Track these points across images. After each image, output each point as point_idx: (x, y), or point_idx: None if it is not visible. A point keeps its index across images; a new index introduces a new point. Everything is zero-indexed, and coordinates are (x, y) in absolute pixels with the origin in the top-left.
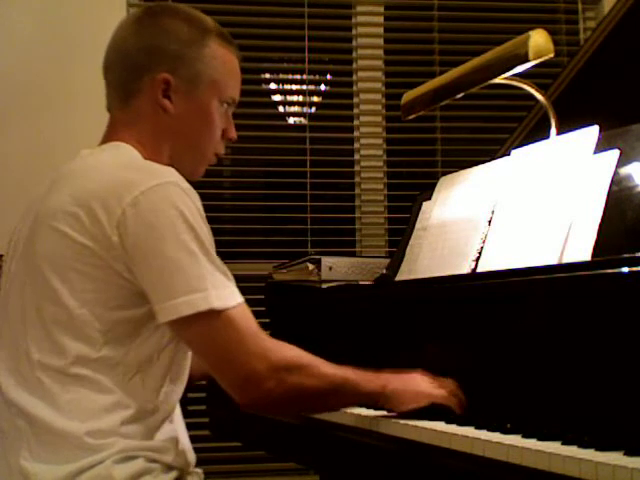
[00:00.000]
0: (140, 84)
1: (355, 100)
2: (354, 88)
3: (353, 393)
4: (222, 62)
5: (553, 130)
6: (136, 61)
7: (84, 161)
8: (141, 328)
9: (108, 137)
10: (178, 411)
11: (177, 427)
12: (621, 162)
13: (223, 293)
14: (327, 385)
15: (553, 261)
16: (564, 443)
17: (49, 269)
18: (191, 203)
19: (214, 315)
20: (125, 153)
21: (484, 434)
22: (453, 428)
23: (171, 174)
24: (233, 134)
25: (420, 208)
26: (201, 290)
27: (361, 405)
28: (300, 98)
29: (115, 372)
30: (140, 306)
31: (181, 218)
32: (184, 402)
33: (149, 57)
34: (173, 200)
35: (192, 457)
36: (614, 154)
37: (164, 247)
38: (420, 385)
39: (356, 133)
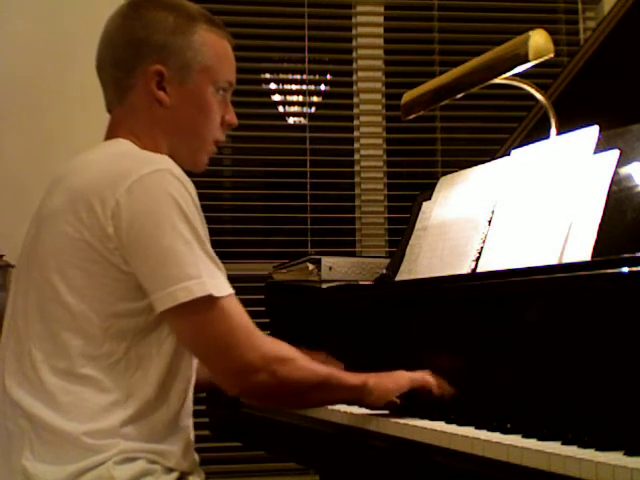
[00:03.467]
0: (133, 79)
1: (355, 100)
2: (354, 88)
3: (338, 386)
4: (212, 47)
5: (553, 130)
6: (125, 56)
7: (80, 159)
8: (140, 322)
9: (107, 136)
10: None
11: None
12: (621, 162)
13: (217, 282)
14: (315, 378)
15: (553, 261)
16: (564, 443)
17: (50, 268)
18: (185, 191)
19: (210, 303)
20: (119, 146)
21: (484, 434)
22: (453, 428)
23: (164, 162)
24: (233, 119)
25: (420, 208)
26: (196, 277)
27: (349, 403)
28: (300, 98)
29: (117, 369)
30: (139, 300)
31: (175, 206)
32: None
33: (137, 51)
34: (167, 188)
35: (195, 459)
36: (614, 154)
37: (159, 236)
38: (399, 376)
39: (356, 133)
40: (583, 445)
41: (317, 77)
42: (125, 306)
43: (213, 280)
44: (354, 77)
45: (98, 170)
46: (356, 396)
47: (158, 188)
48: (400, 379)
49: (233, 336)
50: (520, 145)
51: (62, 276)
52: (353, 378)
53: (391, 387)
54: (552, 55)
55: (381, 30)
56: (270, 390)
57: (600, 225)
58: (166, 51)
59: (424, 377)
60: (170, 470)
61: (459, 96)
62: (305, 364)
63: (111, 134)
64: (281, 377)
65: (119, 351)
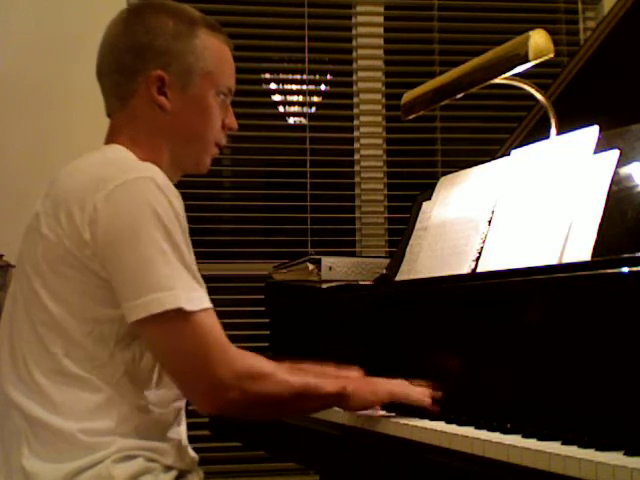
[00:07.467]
0: (134, 85)
1: (355, 100)
2: (354, 88)
3: (315, 396)
4: (214, 52)
5: (553, 130)
6: (127, 62)
7: (73, 163)
8: (122, 329)
9: (106, 141)
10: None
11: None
12: (621, 162)
13: (191, 296)
14: (289, 391)
15: (553, 261)
16: (564, 443)
17: (32, 272)
18: (165, 200)
19: (181, 316)
20: (111, 152)
21: (484, 434)
22: (453, 428)
23: (148, 169)
24: (233, 123)
25: (420, 208)
26: (169, 289)
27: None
28: (300, 98)
29: (104, 372)
30: (117, 307)
31: (153, 215)
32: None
33: (139, 56)
34: (146, 196)
35: (193, 458)
36: (614, 154)
37: (135, 244)
38: (378, 383)
39: (356, 133)
40: (583, 445)
41: (317, 77)
42: (105, 312)
43: (188, 293)
44: (354, 77)
45: (82, 175)
46: (334, 403)
47: (137, 196)
48: (379, 390)
49: (204, 352)
50: (520, 145)
51: (43, 280)
52: (331, 385)
53: (369, 397)
54: (552, 55)
55: (381, 30)
56: (242, 407)
57: (600, 225)
58: (168, 56)
59: (405, 391)
60: (169, 468)
61: (459, 96)
62: (280, 378)
63: (110, 139)
64: (253, 394)
65: (103, 356)
